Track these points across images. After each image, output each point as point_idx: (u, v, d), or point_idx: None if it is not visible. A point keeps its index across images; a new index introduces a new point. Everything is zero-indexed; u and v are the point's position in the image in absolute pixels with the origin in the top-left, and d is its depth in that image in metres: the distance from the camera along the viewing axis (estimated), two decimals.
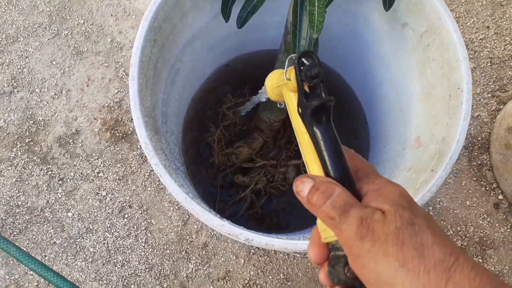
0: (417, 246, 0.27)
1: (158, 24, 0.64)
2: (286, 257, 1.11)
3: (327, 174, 0.34)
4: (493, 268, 1.13)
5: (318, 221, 0.34)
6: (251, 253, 1.11)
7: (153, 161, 0.56)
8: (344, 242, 0.30)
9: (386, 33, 0.78)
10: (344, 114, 1.03)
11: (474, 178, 1.20)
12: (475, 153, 1.23)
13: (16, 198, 1.14)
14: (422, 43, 0.70)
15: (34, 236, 1.12)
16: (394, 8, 0.71)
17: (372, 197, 0.31)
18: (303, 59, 0.37)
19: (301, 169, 0.94)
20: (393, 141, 0.85)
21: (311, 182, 0.33)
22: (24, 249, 1.11)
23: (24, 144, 1.17)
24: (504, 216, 1.17)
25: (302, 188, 0.33)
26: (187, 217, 1.14)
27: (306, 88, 0.37)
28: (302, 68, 0.37)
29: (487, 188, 1.19)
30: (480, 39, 1.32)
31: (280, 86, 0.44)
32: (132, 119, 1.19)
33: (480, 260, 1.13)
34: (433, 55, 0.68)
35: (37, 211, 1.13)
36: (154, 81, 0.68)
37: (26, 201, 1.14)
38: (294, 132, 0.39)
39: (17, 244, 1.11)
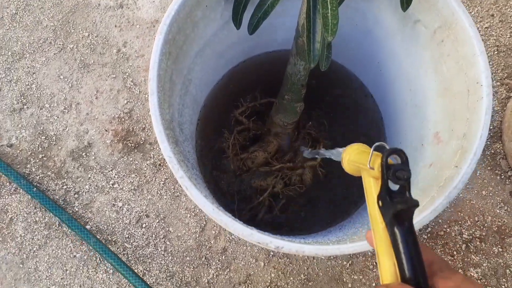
0: None
1: (172, 37, 0.64)
2: (306, 257, 1.11)
3: (402, 273, 0.34)
4: None
5: None
6: (271, 256, 1.11)
7: (179, 174, 0.56)
8: None
9: (397, 30, 0.78)
10: (358, 110, 1.03)
11: (489, 168, 1.20)
12: (488, 142, 1.23)
13: (34, 214, 1.14)
14: (436, 39, 0.70)
15: (54, 251, 1.12)
16: None
17: None
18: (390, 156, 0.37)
19: (317, 170, 0.94)
20: (409, 137, 0.85)
21: None
22: (45, 264, 1.11)
23: (37, 160, 1.18)
24: None
25: None
26: (205, 223, 1.14)
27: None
28: (389, 165, 0.37)
29: (502, 177, 1.19)
30: (486, 27, 1.32)
31: (361, 167, 0.43)
32: (143, 129, 1.20)
33: (500, 249, 1.13)
34: (448, 50, 0.68)
35: (55, 225, 1.14)
36: (170, 93, 0.68)
37: (43, 216, 1.14)
38: (368, 216, 0.39)
39: (37, 259, 1.12)
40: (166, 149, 0.56)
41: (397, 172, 0.36)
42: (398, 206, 0.34)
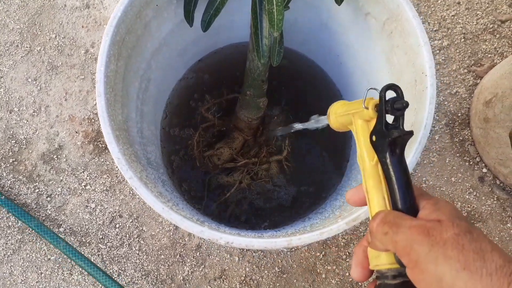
0: (478, 251, 0.28)
1: (120, 38, 0.64)
2: (280, 250, 1.13)
3: (394, 202, 0.36)
4: None
5: (369, 248, 0.36)
6: (245, 250, 1.13)
7: (127, 174, 0.57)
8: (401, 253, 0.31)
9: (351, 23, 0.78)
10: (324, 101, 1.04)
11: (458, 154, 1.22)
12: (456, 129, 1.24)
13: (6, 219, 1.14)
14: (385, 30, 0.71)
15: (28, 255, 1.12)
16: None
17: (429, 210, 0.33)
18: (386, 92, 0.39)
19: (283, 164, 0.95)
20: None
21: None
22: (19, 268, 1.12)
23: (8, 165, 1.17)
24: (490, 189, 1.19)
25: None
26: None
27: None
28: (387, 99, 0.39)
29: (471, 163, 1.21)
30: (452, 15, 1.33)
31: (351, 114, 0.45)
32: None
33: None
34: (397, 41, 0.69)
35: (29, 229, 1.13)
36: (123, 93, 0.68)
37: (16, 220, 1.14)
38: (358, 159, 0.41)
39: (11, 263, 1.12)
40: (114, 150, 0.57)
41: (395, 103, 0.38)
42: (394, 133, 0.37)
